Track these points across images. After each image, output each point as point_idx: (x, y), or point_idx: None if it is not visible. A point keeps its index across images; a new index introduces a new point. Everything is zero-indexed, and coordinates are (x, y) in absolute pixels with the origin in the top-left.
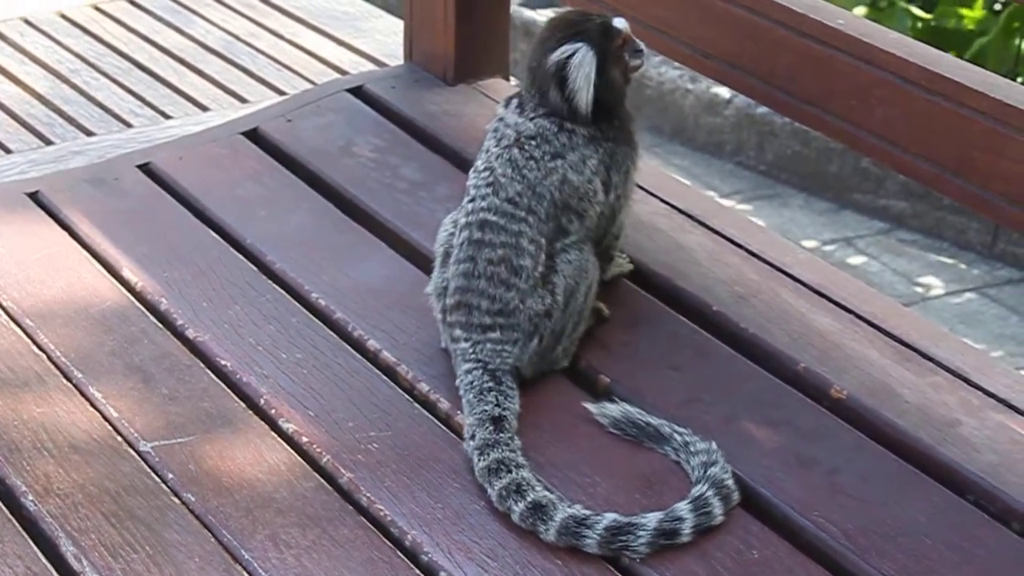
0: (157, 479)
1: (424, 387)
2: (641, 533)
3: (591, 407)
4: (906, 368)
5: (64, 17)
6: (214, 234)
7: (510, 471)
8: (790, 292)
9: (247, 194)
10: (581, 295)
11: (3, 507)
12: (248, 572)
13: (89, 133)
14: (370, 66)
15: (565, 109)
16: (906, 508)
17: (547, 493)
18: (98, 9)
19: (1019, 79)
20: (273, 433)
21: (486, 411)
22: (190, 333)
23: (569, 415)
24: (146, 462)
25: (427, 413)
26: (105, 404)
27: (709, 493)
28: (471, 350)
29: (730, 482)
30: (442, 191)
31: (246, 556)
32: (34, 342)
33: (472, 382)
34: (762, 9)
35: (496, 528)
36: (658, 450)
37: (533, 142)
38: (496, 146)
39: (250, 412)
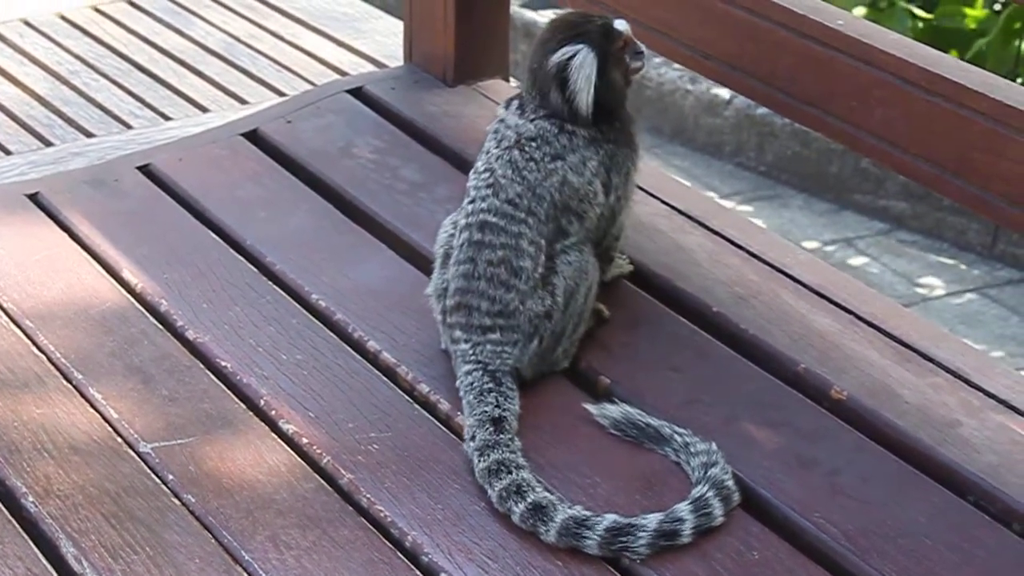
0: (157, 480)
1: (424, 388)
2: (641, 534)
3: (591, 408)
4: (906, 369)
5: (64, 18)
6: (214, 235)
7: (510, 472)
8: (790, 293)
9: (247, 195)
10: (581, 296)
11: (3, 508)
12: (248, 573)
13: (89, 134)
14: (370, 67)
15: (566, 111)
16: (906, 509)
17: (547, 494)
18: (98, 10)
19: (1019, 80)
20: (273, 434)
21: (486, 412)
22: (190, 334)
23: (569, 416)
24: (146, 463)
25: (427, 414)
26: (105, 405)
27: (709, 494)
28: (471, 351)
29: (730, 483)
30: (442, 192)
31: (246, 557)
32: (34, 343)
33: (472, 383)
34: (762, 10)
35: (496, 529)
36: (658, 451)
37: (533, 143)
38: (496, 147)
39: (250, 413)
